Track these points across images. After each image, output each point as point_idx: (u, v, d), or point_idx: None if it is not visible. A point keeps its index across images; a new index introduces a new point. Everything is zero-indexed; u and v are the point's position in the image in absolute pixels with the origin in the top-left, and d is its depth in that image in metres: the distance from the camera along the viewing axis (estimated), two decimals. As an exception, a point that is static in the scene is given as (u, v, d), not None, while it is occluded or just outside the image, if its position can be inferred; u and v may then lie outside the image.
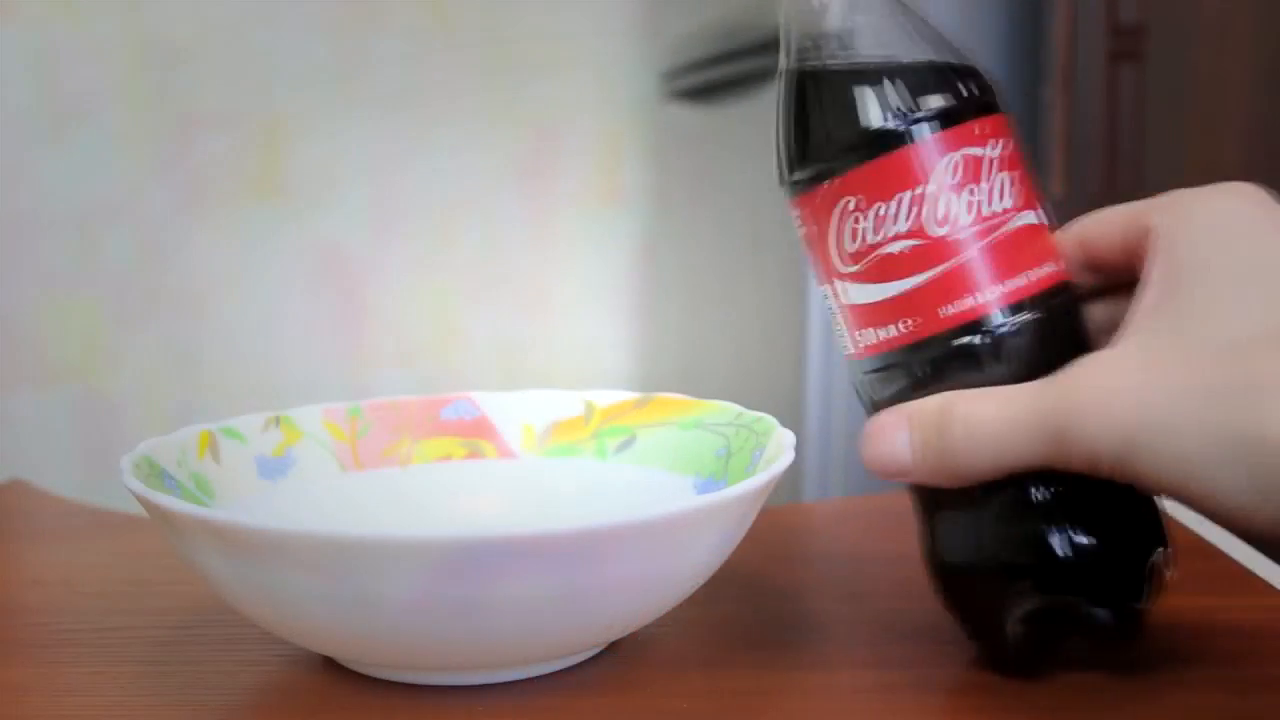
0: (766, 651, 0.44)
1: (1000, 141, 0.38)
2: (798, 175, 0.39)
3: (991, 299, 0.37)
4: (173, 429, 0.48)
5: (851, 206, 0.38)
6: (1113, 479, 0.35)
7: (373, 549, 0.36)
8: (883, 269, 0.38)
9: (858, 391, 0.41)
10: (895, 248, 0.37)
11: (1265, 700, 0.40)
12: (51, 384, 1.58)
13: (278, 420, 0.51)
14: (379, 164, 1.68)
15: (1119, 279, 0.39)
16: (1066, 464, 0.36)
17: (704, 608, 0.45)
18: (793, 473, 0.43)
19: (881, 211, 0.37)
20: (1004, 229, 0.38)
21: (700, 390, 0.52)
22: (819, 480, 1.23)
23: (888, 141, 0.37)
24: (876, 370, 0.39)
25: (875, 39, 0.38)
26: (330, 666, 0.43)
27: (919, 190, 0.37)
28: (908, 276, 0.37)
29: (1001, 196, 0.38)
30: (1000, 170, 0.38)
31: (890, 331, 0.38)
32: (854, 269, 0.38)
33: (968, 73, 0.38)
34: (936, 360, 0.38)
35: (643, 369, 1.85)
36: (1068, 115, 1.05)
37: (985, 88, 0.38)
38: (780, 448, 0.44)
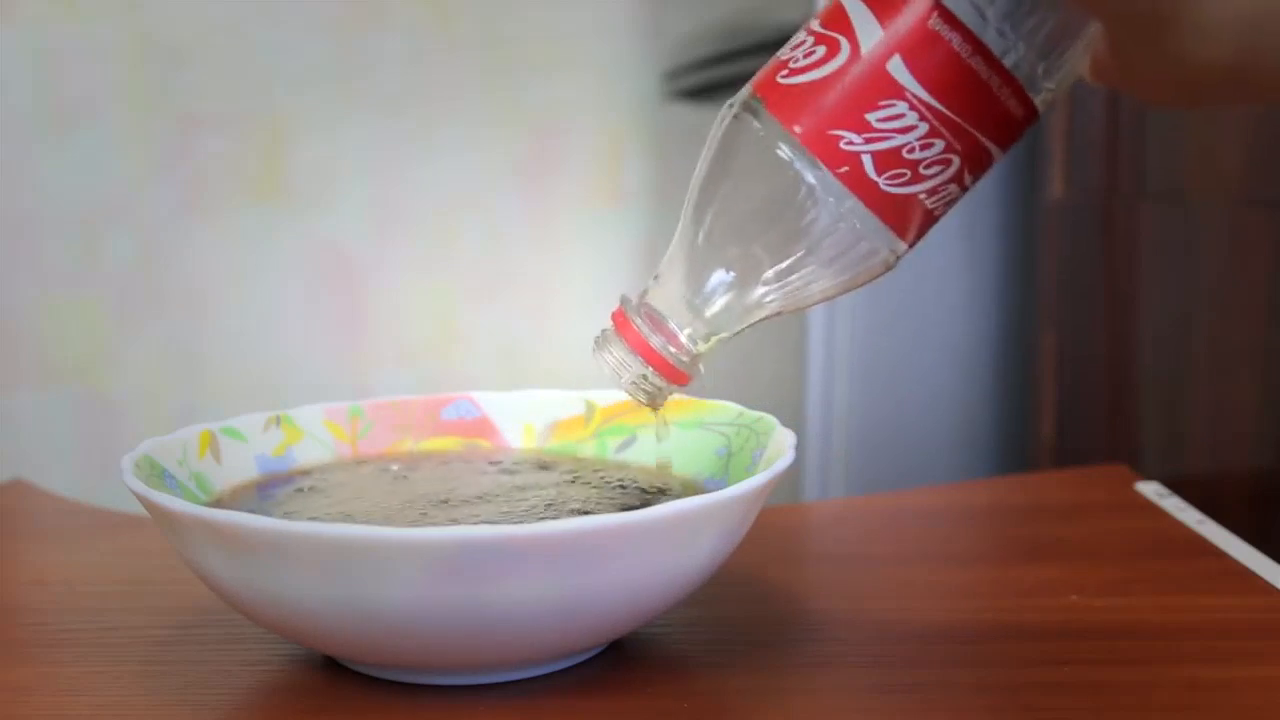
0: (766, 651, 0.44)
1: None
2: None
3: None
4: (174, 429, 0.48)
5: None
6: None
7: (373, 549, 0.36)
8: None
9: None
10: None
11: (1265, 700, 0.40)
12: (51, 384, 1.58)
13: (279, 420, 0.51)
14: (379, 164, 1.68)
15: None
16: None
17: (704, 608, 0.45)
18: (793, 473, 0.43)
19: None
20: None
21: (701, 390, 0.52)
22: (819, 480, 1.23)
23: None
24: None
25: None
26: (330, 666, 0.43)
27: None
28: None
29: None
30: None
31: None
32: None
33: None
34: None
35: (643, 369, 1.85)
36: (1068, 115, 1.05)
37: None
38: (781, 448, 0.44)
